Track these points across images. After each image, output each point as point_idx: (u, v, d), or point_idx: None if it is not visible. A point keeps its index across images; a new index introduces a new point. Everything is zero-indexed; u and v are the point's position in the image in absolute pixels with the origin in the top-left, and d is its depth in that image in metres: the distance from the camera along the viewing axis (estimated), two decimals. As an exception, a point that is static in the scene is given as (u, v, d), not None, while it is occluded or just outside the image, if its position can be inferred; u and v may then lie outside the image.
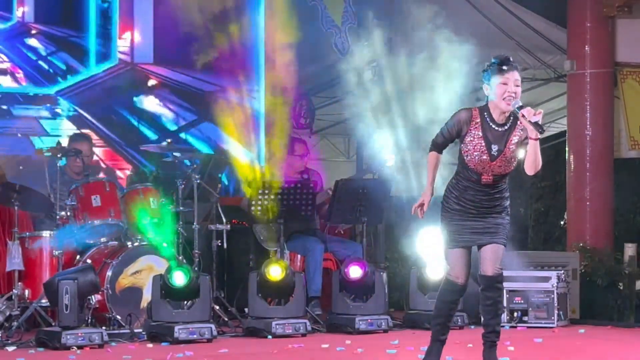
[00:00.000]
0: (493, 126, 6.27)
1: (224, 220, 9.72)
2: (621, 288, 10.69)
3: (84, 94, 11.50)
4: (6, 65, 11.38)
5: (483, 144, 6.23)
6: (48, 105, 11.33)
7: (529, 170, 6.23)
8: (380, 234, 11.46)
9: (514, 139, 6.28)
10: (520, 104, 6.20)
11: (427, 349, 6.60)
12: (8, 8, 11.40)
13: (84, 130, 11.07)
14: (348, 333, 9.06)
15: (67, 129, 11.26)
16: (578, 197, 11.49)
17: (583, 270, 10.60)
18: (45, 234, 9.04)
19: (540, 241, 13.95)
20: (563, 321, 9.79)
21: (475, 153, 6.24)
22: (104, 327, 8.49)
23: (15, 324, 8.55)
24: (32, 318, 8.89)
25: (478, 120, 6.28)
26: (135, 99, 11.75)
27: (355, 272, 9.28)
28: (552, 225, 13.91)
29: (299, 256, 10.03)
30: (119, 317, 8.68)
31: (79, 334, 8.02)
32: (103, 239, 9.12)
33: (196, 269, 9.18)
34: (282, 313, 8.95)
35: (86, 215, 8.91)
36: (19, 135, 11.21)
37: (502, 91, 6.22)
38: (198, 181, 9.47)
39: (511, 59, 6.30)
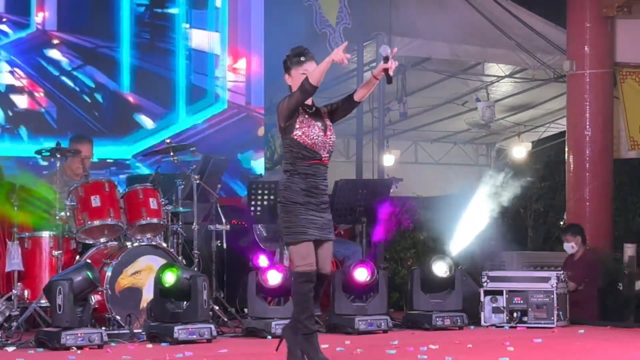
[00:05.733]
0: (307, 109, 6.78)
1: (224, 220, 9.72)
2: (621, 288, 10.69)
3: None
4: (23, 82, 9.97)
5: (312, 121, 6.74)
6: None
7: (360, 99, 6.81)
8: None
9: (325, 115, 6.85)
10: (388, 51, 6.59)
11: (303, 345, 6.73)
12: (25, 13, 9.99)
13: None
14: (348, 333, 9.05)
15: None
16: (578, 197, 11.49)
17: (583, 271, 10.59)
18: (45, 234, 9.04)
19: (540, 241, 13.94)
20: (563, 321, 9.78)
21: (311, 130, 6.72)
22: (103, 328, 8.48)
23: (14, 324, 8.55)
24: (32, 318, 8.89)
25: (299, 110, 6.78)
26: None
27: (361, 274, 9.24)
28: (551, 225, 13.91)
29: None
30: (118, 317, 8.67)
31: (79, 335, 8.01)
32: (102, 239, 9.11)
33: (195, 269, 9.18)
34: (281, 313, 8.93)
35: (86, 216, 8.89)
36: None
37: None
38: (197, 181, 9.47)
39: (307, 50, 6.78)
